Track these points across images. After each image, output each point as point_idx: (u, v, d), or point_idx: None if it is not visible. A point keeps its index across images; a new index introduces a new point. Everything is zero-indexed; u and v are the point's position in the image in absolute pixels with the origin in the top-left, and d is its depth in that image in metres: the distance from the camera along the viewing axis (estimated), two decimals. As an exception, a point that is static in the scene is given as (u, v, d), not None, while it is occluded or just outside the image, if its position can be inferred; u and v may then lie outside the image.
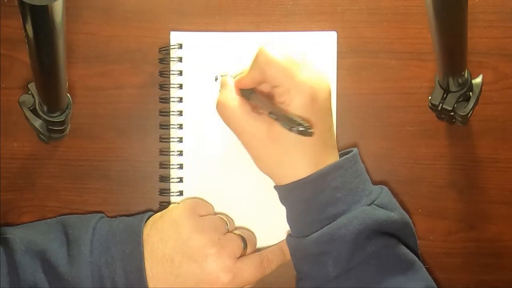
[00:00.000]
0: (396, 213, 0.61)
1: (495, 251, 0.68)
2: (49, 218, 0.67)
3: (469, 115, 0.63)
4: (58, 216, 0.66)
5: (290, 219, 0.63)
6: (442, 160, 0.68)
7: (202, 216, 0.64)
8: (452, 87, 0.62)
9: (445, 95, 0.63)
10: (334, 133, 0.63)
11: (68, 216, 0.66)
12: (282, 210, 0.66)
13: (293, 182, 0.60)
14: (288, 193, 0.61)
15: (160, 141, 0.68)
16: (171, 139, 0.67)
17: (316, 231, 0.59)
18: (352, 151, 0.63)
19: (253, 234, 0.67)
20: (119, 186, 0.68)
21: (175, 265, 0.61)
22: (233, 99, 0.62)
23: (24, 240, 0.62)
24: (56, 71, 0.52)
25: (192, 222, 0.62)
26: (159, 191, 0.68)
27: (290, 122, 0.55)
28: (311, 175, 0.59)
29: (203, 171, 0.67)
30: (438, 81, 0.63)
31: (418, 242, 0.63)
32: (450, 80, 0.61)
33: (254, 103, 0.62)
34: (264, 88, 0.63)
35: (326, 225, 0.59)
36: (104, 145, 0.68)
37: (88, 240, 0.61)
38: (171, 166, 0.67)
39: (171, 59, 0.67)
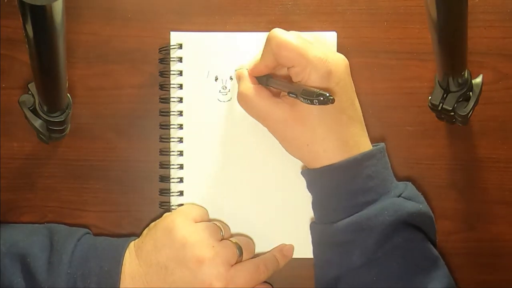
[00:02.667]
0: (424, 206, 0.61)
1: (495, 251, 0.68)
2: (49, 218, 0.67)
3: (469, 115, 0.63)
4: (47, 223, 0.66)
5: (316, 204, 0.63)
6: (442, 160, 0.68)
7: (196, 222, 0.63)
8: (452, 87, 0.62)
9: (445, 95, 0.63)
10: (359, 108, 0.63)
11: (57, 224, 0.66)
12: (282, 211, 0.66)
13: (326, 166, 0.60)
14: (320, 177, 0.61)
15: (160, 141, 0.68)
16: (171, 139, 0.67)
17: (344, 219, 0.59)
18: (379, 144, 0.63)
19: (251, 240, 0.66)
20: (119, 186, 0.68)
21: (168, 272, 0.60)
22: (251, 88, 0.63)
23: (7, 241, 0.61)
24: (56, 71, 0.52)
25: (185, 228, 0.62)
26: (159, 191, 0.68)
27: (309, 95, 0.55)
28: (345, 160, 0.59)
29: (203, 171, 0.67)
30: (438, 81, 0.63)
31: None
32: (450, 80, 0.61)
33: (274, 88, 0.62)
34: (280, 71, 0.63)
35: (355, 213, 0.59)
36: (104, 145, 0.68)
37: (70, 250, 0.61)
38: (171, 166, 0.67)
39: (171, 59, 0.67)
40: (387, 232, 0.58)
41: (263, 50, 0.62)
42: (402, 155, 0.68)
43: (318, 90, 0.55)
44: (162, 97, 0.68)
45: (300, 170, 0.65)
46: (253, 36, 0.67)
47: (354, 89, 0.63)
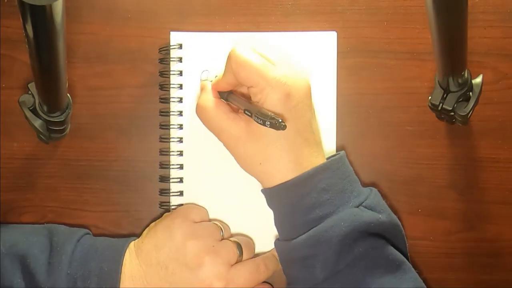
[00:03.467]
0: (385, 215, 0.60)
1: (495, 251, 0.68)
2: (49, 218, 0.67)
3: (469, 115, 0.63)
4: (46, 223, 0.66)
5: (276, 222, 0.63)
6: (442, 160, 0.68)
7: (196, 222, 0.64)
8: (452, 87, 0.62)
9: (445, 95, 0.63)
10: (317, 130, 0.63)
11: (57, 224, 0.66)
12: (282, 210, 0.66)
13: (279, 185, 0.60)
14: (274, 196, 0.61)
15: (160, 141, 0.68)
16: (171, 139, 0.67)
17: (303, 234, 0.59)
18: (339, 153, 0.63)
19: (251, 240, 0.66)
20: (119, 186, 0.68)
21: (169, 272, 0.60)
22: (211, 101, 0.63)
23: (7, 242, 0.61)
24: (56, 71, 0.52)
25: (185, 228, 0.62)
26: (159, 191, 0.68)
27: (262, 116, 0.56)
28: (297, 176, 0.59)
29: (203, 171, 0.67)
30: (438, 81, 0.63)
31: (418, 242, 0.64)
32: (450, 80, 0.61)
33: (232, 104, 0.63)
34: (241, 89, 0.63)
35: (313, 227, 0.59)
36: (104, 145, 0.68)
37: (70, 250, 0.61)
38: (171, 166, 0.67)
39: (171, 59, 0.67)
40: (347, 243, 0.58)
41: (225, 67, 0.62)
42: (402, 155, 0.68)
43: (271, 114, 0.55)
44: (162, 97, 0.68)
45: None
46: (253, 36, 0.67)
47: (313, 110, 0.62)
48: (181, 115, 0.67)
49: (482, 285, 0.67)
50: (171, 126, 0.67)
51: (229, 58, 0.60)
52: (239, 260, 0.63)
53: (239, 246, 0.63)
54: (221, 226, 0.64)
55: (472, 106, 0.63)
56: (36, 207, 0.68)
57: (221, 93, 0.64)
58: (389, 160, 0.68)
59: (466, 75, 0.61)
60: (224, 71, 0.62)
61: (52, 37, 0.46)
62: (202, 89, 0.65)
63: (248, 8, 0.68)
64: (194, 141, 0.67)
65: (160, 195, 0.68)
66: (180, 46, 0.67)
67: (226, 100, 0.63)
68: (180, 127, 0.67)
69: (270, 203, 0.63)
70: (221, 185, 0.67)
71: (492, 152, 0.68)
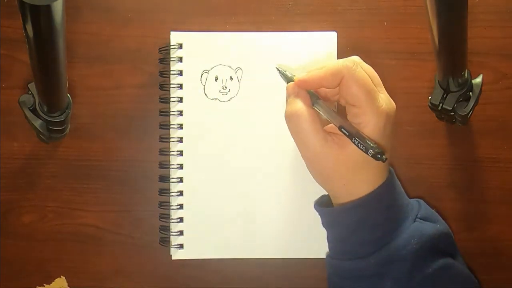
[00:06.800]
0: (440, 224, 0.61)
1: (495, 251, 0.68)
2: (49, 218, 0.67)
3: (469, 115, 0.63)
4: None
5: (337, 240, 0.62)
6: (442, 160, 0.68)
7: None
8: (452, 87, 0.62)
9: (445, 95, 0.63)
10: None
11: None
12: (282, 210, 0.66)
13: (350, 202, 0.58)
14: (343, 214, 0.59)
15: (160, 141, 0.68)
16: (171, 139, 0.67)
17: (373, 252, 0.58)
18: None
19: None
20: (119, 186, 0.68)
21: None
22: (305, 111, 0.57)
23: None
24: (56, 71, 0.52)
25: None
26: (159, 191, 0.68)
27: (365, 143, 0.54)
28: (366, 195, 0.58)
29: (203, 171, 0.67)
30: (438, 81, 0.63)
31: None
32: (450, 80, 0.61)
33: (319, 110, 0.59)
34: (339, 100, 0.60)
35: (380, 244, 0.58)
36: (104, 145, 0.68)
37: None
38: (171, 166, 0.67)
39: (171, 59, 0.67)
40: (416, 261, 0.58)
41: (332, 67, 0.57)
42: (402, 155, 0.68)
43: (373, 143, 0.54)
44: (162, 97, 0.68)
45: (299, 164, 0.62)
46: (253, 36, 0.67)
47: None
48: (181, 115, 0.67)
49: (482, 285, 0.67)
50: (171, 126, 0.67)
51: (351, 62, 0.57)
52: None
53: None
54: None
55: (472, 106, 0.63)
56: (36, 207, 0.68)
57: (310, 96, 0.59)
58: (389, 160, 0.68)
59: (466, 75, 0.61)
60: (332, 69, 0.57)
61: (52, 37, 0.46)
62: (293, 93, 0.59)
63: (248, 8, 0.68)
64: (194, 141, 0.67)
65: (159, 195, 0.68)
66: (180, 46, 0.67)
67: (313, 105, 0.58)
68: (180, 127, 0.67)
69: (334, 220, 0.61)
70: (220, 185, 0.67)
71: (492, 152, 0.68)
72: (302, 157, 0.60)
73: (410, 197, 0.64)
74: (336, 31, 0.68)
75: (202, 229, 0.67)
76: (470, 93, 0.63)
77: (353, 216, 0.59)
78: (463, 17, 0.52)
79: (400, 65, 0.68)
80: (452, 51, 0.56)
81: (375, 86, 0.58)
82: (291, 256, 0.67)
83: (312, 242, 0.66)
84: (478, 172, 0.68)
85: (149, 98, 0.68)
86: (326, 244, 0.63)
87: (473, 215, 0.68)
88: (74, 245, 0.68)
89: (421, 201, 0.64)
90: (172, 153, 0.67)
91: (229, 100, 0.67)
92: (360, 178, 0.58)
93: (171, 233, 0.67)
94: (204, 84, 0.67)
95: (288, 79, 0.61)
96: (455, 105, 0.63)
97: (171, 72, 0.67)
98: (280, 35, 0.68)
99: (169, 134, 0.67)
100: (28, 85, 0.63)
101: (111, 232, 0.68)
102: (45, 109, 0.61)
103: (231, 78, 0.67)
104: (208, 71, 0.67)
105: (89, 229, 0.67)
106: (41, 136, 0.65)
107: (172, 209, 0.67)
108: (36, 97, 0.62)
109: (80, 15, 0.68)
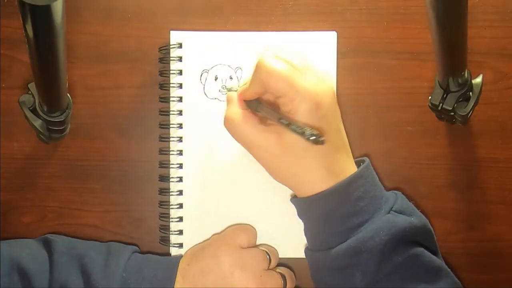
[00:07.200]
0: (415, 217, 0.61)
1: (495, 251, 0.68)
2: (49, 218, 0.67)
3: (469, 115, 0.63)
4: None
5: (309, 231, 0.62)
6: (442, 160, 0.68)
7: (244, 248, 0.64)
8: (452, 87, 0.62)
9: (445, 95, 0.63)
10: (344, 134, 0.62)
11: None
12: (282, 210, 0.66)
13: (315, 195, 0.59)
14: (310, 206, 0.60)
15: (160, 141, 0.68)
16: (171, 139, 0.67)
17: (341, 243, 0.59)
18: (363, 159, 0.63)
19: (293, 272, 0.66)
20: (119, 186, 0.68)
21: None
22: (239, 113, 0.61)
23: (66, 243, 0.63)
24: (56, 71, 0.52)
25: (233, 256, 0.62)
26: (159, 191, 0.68)
27: (301, 128, 0.54)
28: (334, 186, 0.58)
29: (203, 171, 0.67)
30: (438, 81, 0.63)
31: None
32: (450, 80, 0.61)
33: (262, 114, 0.61)
34: (269, 98, 0.61)
35: (350, 236, 0.58)
36: (104, 145, 0.68)
37: (126, 256, 0.63)
38: (171, 166, 0.67)
39: (171, 58, 0.67)
40: (386, 252, 0.58)
41: (252, 76, 0.60)
42: (402, 155, 0.68)
43: (309, 129, 0.54)
44: (161, 96, 0.68)
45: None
46: (253, 36, 0.68)
47: (340, 116, 0.61)
48: (181, 114, 0.67)
49: (482, 285, 0.67)
50: (170, 126, 0.67)
51: (258, 67, 0.59)
52: None
53: (284, 278, 0.64)
54: (269, 252, 0.64)
55: (472, 106, 0.63)
56: (36, 207, 0.68)
57: (249, 103, 0.62)
58: (389, 160, 0.68)
59: (466, 75, 0.61)
60: (251, 80, 0.60)
61: (52, 37, 0.46)
62: (229, 101, 0.62)
63: (248, 8, 0.68)
64: (193, 140, 0.67)
65: (159, 194, 0.68)
66: (180, 45, 0.67)
67: (256, 110, 0.61)
68: (180, 126, 0.67)
69: (303, 213, 0.62)
70: (220, 184, 0.67)
71: (492, 152, 0.68)
72: (257, 161, 0.61)
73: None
74: (336, 31, 0.68)
75: (202, 229, 0.67)
76: (470, 93, 0.63)
77: (320, 207, 0.59)
78: (463, 17, 0.52)
79: (400, 65, 0.68)
80: (452, 51, 0.56)
81: (297, 69, 0.58)
82: (291, 256, 0.67)
83: (312, 242, 0.66)
84: (478, 172, 0.68)
85: (149, 97, 0.68)
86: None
87: (473, 215, 0.68)
88: (74, 245, 0.68)
89: (399, 193, 0.63)
90: (172, 152, 0.67)
91: (229, 100, 0.67)
92: (311, 167, 0.59)
93: (171, 232, 0.67)
94: (204, 83, 0.67)
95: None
96: (455, 105, 0.63)
97: (171, 72, 0.67)
98: (280, 35, 0.68)
99: (169, 134, 0.67)
100: (28, 85, 0.63)
101: (111, 232, 0.68)
102: (45, 109, 0.61)
103: (231, 78, 0.67)
104: (208, 70, 0.67)
105: (89, 229, 0.67)
106: (41, 136, 0.65)
107: (172, 208, 0.67)
108: (36, 97, 0.62)
109: (80, 15, 0.68)
